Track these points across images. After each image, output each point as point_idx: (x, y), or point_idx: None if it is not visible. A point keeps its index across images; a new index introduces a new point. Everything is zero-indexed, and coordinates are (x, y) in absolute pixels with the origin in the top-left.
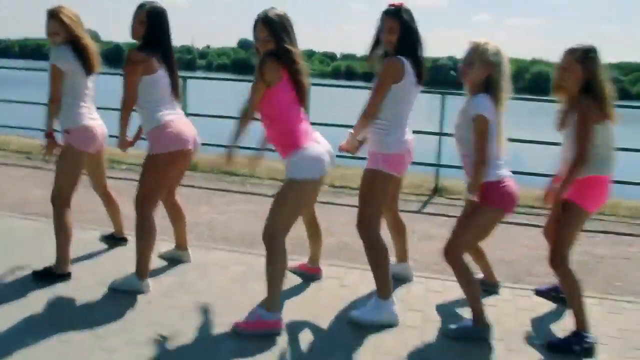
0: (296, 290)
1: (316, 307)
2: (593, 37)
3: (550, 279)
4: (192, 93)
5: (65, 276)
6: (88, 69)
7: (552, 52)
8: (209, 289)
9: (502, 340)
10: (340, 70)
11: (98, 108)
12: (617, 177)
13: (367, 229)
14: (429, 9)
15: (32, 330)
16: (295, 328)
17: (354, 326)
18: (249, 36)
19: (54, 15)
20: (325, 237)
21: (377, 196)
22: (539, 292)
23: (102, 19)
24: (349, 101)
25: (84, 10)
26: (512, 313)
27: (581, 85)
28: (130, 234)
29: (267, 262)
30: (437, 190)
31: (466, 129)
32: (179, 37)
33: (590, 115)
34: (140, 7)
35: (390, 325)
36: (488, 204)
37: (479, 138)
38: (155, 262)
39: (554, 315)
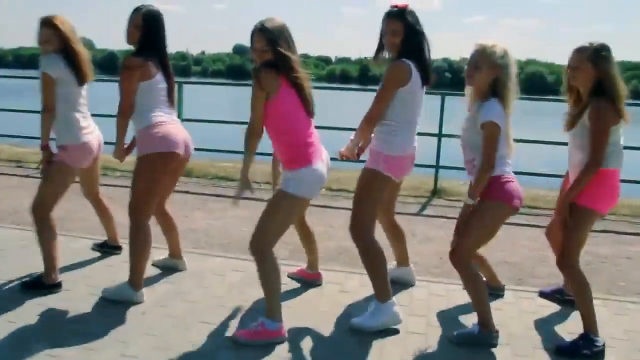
0: (296, 297)
1: (317, 313)
2: (587, 36)
3: (553, 280)
4: (187, 99)
5: (55, 286)
6: (80, 78)
7: (546, 53)
8: (205, 297)
9: (508, 344)
10: (335, 73)
11: (93, 115)
12: None
13: (360, 231)
14: (423, 12)
15: (20, 345)
16: (295, 336)
17: (356, 333)
18: (244, 42)
19: (47, 23)
20: (324, 241)
21: (372, 196)
22: (543, 294)
23: (96, 27)
24: (344, 104)
25: (79, 19)
26: (516, 316)
27: (593, 85)
28: (125, 243)
29: (260, 274)
30: (436, 192)
31: (475, 134)
32: (173, 44)
33: (608, 118)
34: (136, 10)
35: (393, 326)
36: (488, 198)
37: (488, 144)
38: (149, 270)
39: (559, 318)
